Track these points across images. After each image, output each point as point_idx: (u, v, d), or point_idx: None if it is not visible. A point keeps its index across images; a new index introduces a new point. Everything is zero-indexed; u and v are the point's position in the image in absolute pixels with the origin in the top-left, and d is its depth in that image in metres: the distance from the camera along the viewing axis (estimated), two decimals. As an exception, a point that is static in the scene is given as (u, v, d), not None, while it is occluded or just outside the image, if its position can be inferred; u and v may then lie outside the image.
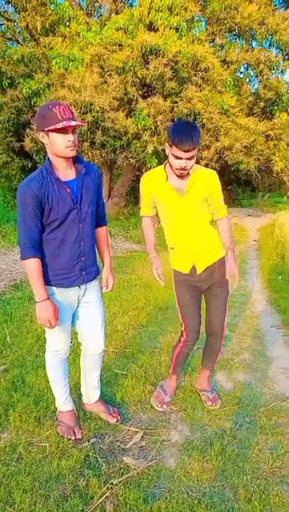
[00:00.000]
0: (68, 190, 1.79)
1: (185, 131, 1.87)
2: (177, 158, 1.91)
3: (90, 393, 2.29)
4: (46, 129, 1.67)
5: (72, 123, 1.66)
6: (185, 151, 1.88)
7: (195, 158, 1.96)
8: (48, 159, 1.78)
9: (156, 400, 2.42)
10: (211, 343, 2.42)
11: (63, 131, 1.67)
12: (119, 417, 2.26)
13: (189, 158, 1.92)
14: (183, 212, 2.11)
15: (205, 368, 2.52)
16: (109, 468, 1.93)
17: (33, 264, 1.78)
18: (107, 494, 1.77)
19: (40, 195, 1.70)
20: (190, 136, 1.86)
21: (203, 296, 2.33)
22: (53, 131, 1.66)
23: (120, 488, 1.80)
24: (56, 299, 1.89)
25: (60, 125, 1.64)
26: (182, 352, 2.37)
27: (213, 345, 2.41)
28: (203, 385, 2.53)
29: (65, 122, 1.64)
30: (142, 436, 2.16)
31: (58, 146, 1.70)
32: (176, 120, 2.09)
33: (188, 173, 2.03)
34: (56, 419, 2.20)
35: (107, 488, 1.81)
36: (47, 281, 1.85)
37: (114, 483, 1.84)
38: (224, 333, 2.37)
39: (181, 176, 2.01)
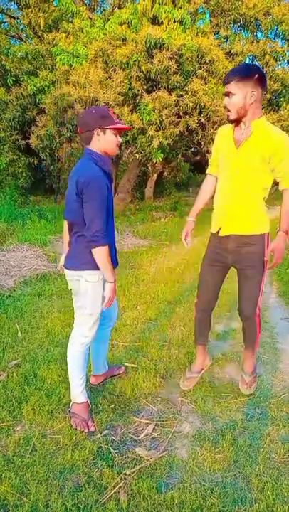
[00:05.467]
0: (112, 182, 2.04)
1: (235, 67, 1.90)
2: None
3: (104, 363, 2.50)
4: (107, 127, 1.90)
5: (127, 126, 2.08)
6: (224, 84, 1.88)
7: (237, 98, 1.85)
8: (99, 155, 1.96)
9: (182, 378, 2.48)
10: (244, 325, 2.33)
11: (118, 131, 1.95)
12: (123, 367, 2.65)
13: (228, 94, 1.86)
14: (234, 167, 1.97)
15: (245, 348, 2.45)
16: (122, 459, 1.96)
17: (107, 250, 1.93)
18: (120, 484, 1.80)
19: (108, 187, 1.95)
20: (232, 69, 1.87)
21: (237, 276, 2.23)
22: (112, 129, 1.91)
23: (133, 479, 1.83)
24: None
25: (120, 125, 1.94)
26: (196, 317, 2.42)
27: (246, 328, 2.32)
28: (244, 365, 2.48)
29: (122, 125, 1.95)
30: (154, 427, 2.18)
31: (112, 144, 1.95)
32: None
33: (240, 122, 1.94)
34: (69, 411, 2.23)
35: (121, 479, 1.83)
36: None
37: (127, 473, 1.86)
38: (256, 316, 2.23)
39: (228, 120, 1.95)
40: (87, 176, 1.87)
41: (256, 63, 2.00)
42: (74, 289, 2.10)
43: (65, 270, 2.12)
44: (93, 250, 1.92)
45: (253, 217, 2.05)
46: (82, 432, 2.12)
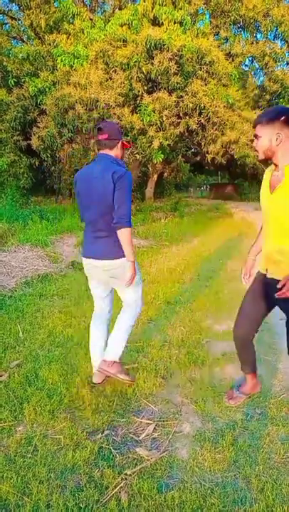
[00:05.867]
0: None
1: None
2: None
3: None
4: (123, 141, 2.43)
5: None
6: (253, 127, 1.94)
7: (263, 141, 1.88)
8: (116, 159, 2.38)
9: (226, 396, 2.45)
10: None
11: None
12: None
13: (256, 137, 1.91)
14: (269, 212, 1.97)
15: None
16: (123, 459, 1.97)
17: (130, 231, 2.29)
18: (121, 484, 1.81)
19: None
20: (262, 112, 1.91)
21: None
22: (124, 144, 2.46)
23: (134, 479, 1.84)
24: None
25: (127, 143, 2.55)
26: (235, 345, 2.34)
27: None
28: None
29: None
30: (154, 428, 2.19)
31: (122, 153, 2.47)
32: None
33: (270, 162, 1.97)
34: (108, 370, 2.42)
35: (122, 479, 1.84)
36: None
37: (128, 473, 1.87)
38: None
39: (258, 160, 2.03)
40: (122, 171, 2.27)
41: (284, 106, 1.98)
42: (119, 274, 2.37)
43: (103, 262, 2.35)
44: (119, 231, 2.25)
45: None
46: (130, 382, 2.49)
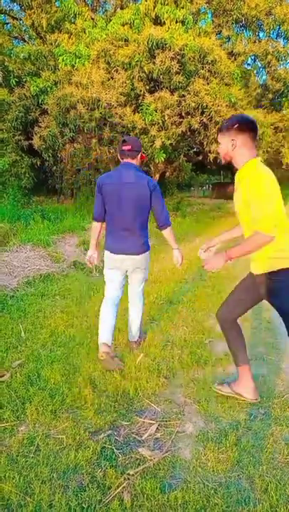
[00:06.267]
0: None
1: None
2: None
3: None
4: (142, 155, 2.84)
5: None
6: (217, 135, 2.17)
7: (222, 147, 2.10)
8: (139, 167, 2.79)
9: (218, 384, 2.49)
10: None
11: None
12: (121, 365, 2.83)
13: (218, 143, 2.14)
14: (236, 212, 2.14)
15: None
16: (126, 459, 1.96)
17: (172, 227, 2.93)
18: (124, 485, 1.80)
19: None
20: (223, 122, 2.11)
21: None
22: None
23: (137, 479, 1.83)
24: None
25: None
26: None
27: None
28: None
29: None
30: (157, 428, 2.18)
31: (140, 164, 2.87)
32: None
33: (230, 165, 2.14)
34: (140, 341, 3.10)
35: (124, 479, 1.83)
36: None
37: (130, 473, 1.86)
38: None
39: (223, 163, 2.19)
40: (154, 181, 2.71)
41: (245, 115, 2.05)
42: (142, 265, 2.88)
43: (133, 256, 2.78)
44: (167, 229, 2.87)
45: (264, 256, 2.05)
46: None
